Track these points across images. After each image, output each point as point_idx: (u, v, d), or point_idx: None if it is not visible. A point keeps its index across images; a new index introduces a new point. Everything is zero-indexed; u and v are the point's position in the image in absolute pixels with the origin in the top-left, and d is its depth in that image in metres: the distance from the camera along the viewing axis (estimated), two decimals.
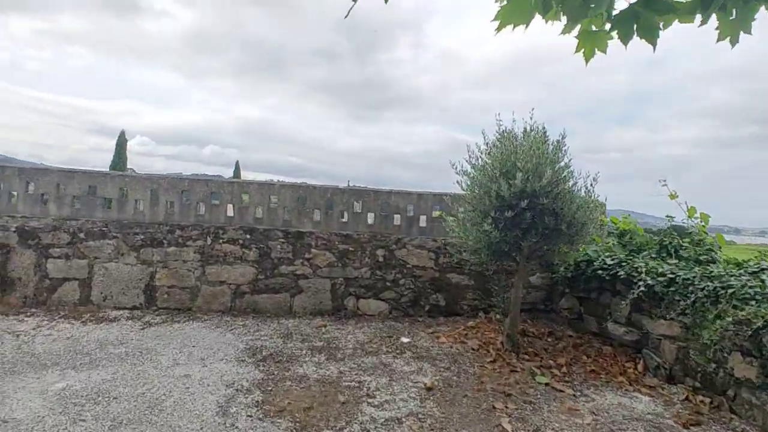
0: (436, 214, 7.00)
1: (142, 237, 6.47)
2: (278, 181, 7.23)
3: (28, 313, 5.81)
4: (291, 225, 6.89)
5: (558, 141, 5.28)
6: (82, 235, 6.35)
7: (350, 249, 6.90)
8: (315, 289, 6.75)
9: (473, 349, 5.54)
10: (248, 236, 6.71)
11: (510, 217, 4.94)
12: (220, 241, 6.64)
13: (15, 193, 6.45)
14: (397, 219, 7.17)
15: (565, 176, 5.17)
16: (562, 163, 5.22)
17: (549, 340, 6.04)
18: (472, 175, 5.49)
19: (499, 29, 2.67)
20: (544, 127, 5.31)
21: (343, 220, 7.07)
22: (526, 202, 4.82)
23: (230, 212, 6.89)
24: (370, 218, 7.14)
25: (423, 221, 7.18)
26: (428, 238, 7.07)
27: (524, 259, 5.49)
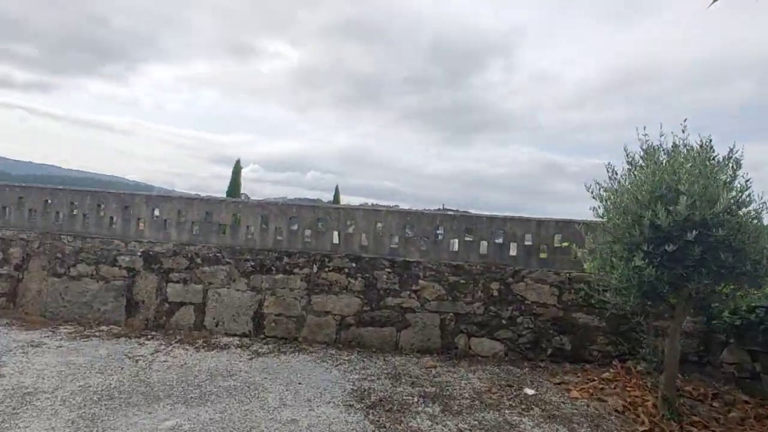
0: (563, 244, 6.08)
1: (253, 263, 6.40)
2: (384, 207, 6.84)
3: (149, 336, 5.93)
4: (398, 254, 6.41)
5: (728, 156, 4.20)
6: (198, 261, 6.45)
7: (461, 281, 6.22)
8: (423, 325, 6.15)
9: (617, 411, 4.51)
10: (354, 265, 6.34)
11: (670, 252, 3.95)
12: (326, 269, 6.35)
13: (142, 219, 6.78)
14: (513, 248, 6.37)
15: (743, 201, 4.07)
16: (736, 184, 4.13)
17: (715, 405, 4.78)
18: (611, 200, 4.59)
19: None
20: (710, 140, 4.27)
21: (453, 249, 6.44)
22: (693, 234, 3.81)
23: (336, 239, 6.61)
24: (483, 247, 6.42)
25: (544, 252, 6.29)
26: (550, 270, 6.16)
27: (683, 302, 4.40)
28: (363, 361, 5.60)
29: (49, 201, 6.87)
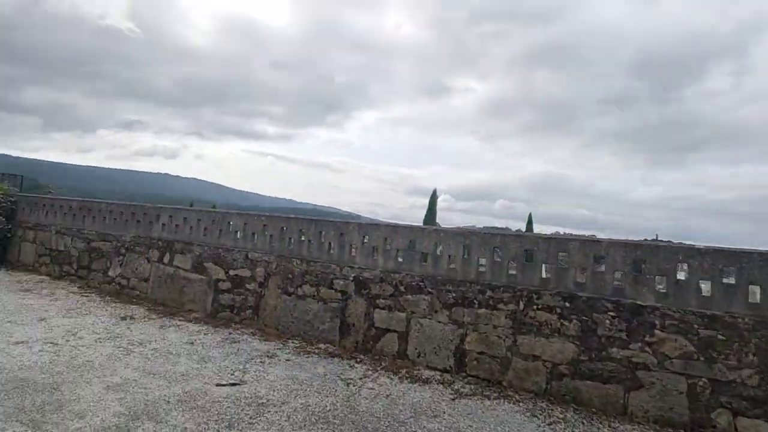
0: None
1: (454, 295, 6.12)
2: (606, 239, 5.78)
3: (358, 359, 6.15)
4: (624, 294, 5.28)
5: None
6: (402, 289, 6.50)
7: (719, 337, 4.73)
8: (662, 388, 4.86)
9: None
10: (567, 304, 5.47)
11: None
12: (534, 307, 5.63)
13: (354, 246, 7.21)
14: None
15: None
16: None
17: None
18: None
19: None
20: None
21: (705, 293, 4.98)
22: None
23: (544, 273, 5.85)
24: (753, 294, 4.79)
25: None
26: None
27: None
28: (582, 422, 4.67)
29: (284, 228, 7.92)
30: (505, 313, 5.78)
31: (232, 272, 8.04)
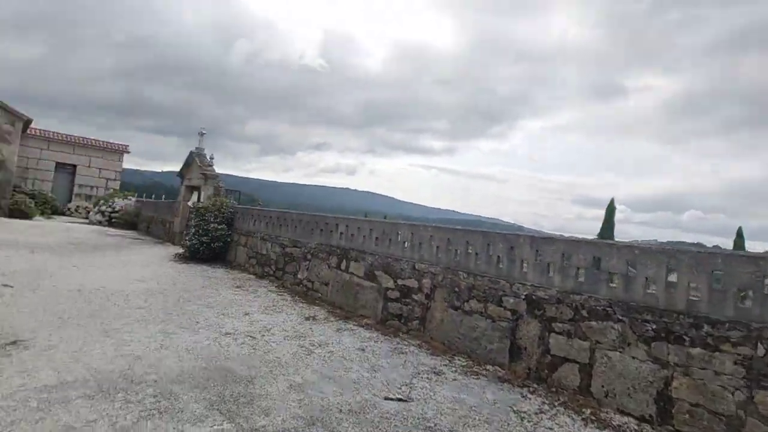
0: None
1: (654, 327, 4.89)
2: None
3: (531, 389, 5.39)
4: None
5: None
6: (584, 313, 5.50)
7: None
8: None
9: None
10: None
11: None
12: None
13: (525, 261, 6.45)
14: None
15: None
16: None
17: None
18: None
19: None
20: None
21: None
22: None
23: None
24: None
25: None
26: None
27: None
28: None
29: (450, 239, 7.58)
30: (734, 357, 4.35)
31: (400, 282, 8.04)
